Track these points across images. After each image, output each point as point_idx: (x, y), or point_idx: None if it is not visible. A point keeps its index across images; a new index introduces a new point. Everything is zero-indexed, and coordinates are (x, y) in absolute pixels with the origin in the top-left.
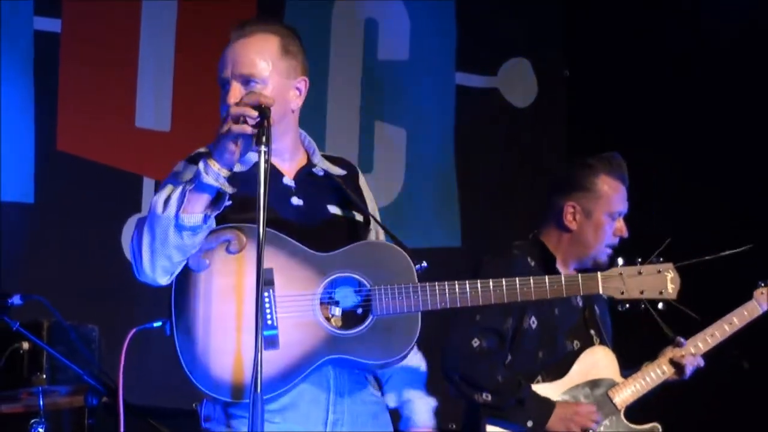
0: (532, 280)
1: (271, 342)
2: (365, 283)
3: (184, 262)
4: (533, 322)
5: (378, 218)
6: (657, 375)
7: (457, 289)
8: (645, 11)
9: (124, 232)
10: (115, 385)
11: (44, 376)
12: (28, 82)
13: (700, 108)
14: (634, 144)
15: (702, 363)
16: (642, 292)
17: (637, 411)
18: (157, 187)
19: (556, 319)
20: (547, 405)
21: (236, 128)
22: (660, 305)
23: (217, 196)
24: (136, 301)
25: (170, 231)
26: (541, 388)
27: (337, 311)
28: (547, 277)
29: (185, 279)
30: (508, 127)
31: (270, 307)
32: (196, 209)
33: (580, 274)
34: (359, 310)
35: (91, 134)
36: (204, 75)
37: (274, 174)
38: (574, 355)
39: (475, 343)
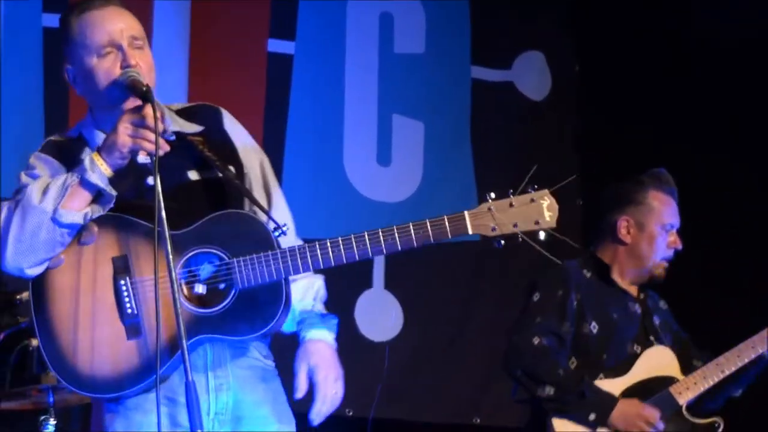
0: (396, 229)
1: (135, 330)
2: (224, 256)
3: (45, 263)
4: (594, 326)
5: (256, 154)
6: (719, 376)
7: (318, 250)
8: (658, 4)
9: None
10: None
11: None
12: (37, 80)
13: (714, 103)
14: (646, 139)
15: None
16: (515, 225)
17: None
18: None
19: (616, 324)
20: (610, 399)
21: (142, 144)
22: (541, 235)
23: (97, 195)
24: None
25: (44, 225)
26: (603, 384)
27: (200, 289)
28: (411, 223)
29: (41, 277)
30: (523, 119)
31: (128, 296)
32: (76, 206)
33: (446, 216)
34: (221, 285)
35: None
36: (218, 75)
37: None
38: (636, 357)
39: (536, 340)
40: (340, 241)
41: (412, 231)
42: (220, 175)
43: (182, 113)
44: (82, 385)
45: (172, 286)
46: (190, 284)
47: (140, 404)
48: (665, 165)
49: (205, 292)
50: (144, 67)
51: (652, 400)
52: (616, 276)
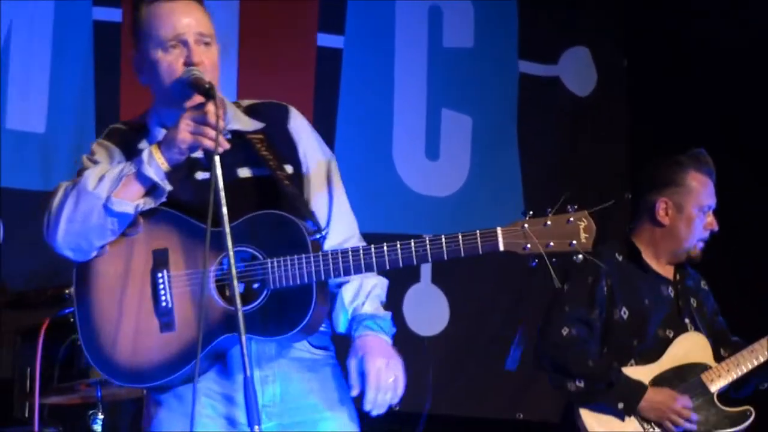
0: (428, 241)
1: (168, 324)
2: (259, 256)
3: (98, 249)
4: (624, 312)
5: (322, 156)
6: (752, 363)
7: (350, 257)
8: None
9: None
10: None
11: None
12: (88, 73)
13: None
14: (695, 135)
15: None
16: (549, 245)
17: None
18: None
19: (647, 309)
20: (639, 387)
21: (202, 141)
22: (579, 257)
23: (151, 188)
24: None
25: (96, 210)
26: (633, 371)
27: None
28: (443, 236)
29: (85, 266)
30: (569, 115)
31: (164, 289)
32: (129, 196)
33: (478, 231)
34: (255, 285)
35: None
36: (267, 71)
37: None
38: (668, 343)
39: (565, 331)
40: (373, 250)
41: (444, 243)
42: (277, 171)
43: (248, 110)
44: (115, 375)
45: (202, 283)
46: (223, 281)
47: (185, 397)
48: (716, 160)
49: (242, 291)
50: (208, 64)
51: (683, 387)
52: (649, 259)
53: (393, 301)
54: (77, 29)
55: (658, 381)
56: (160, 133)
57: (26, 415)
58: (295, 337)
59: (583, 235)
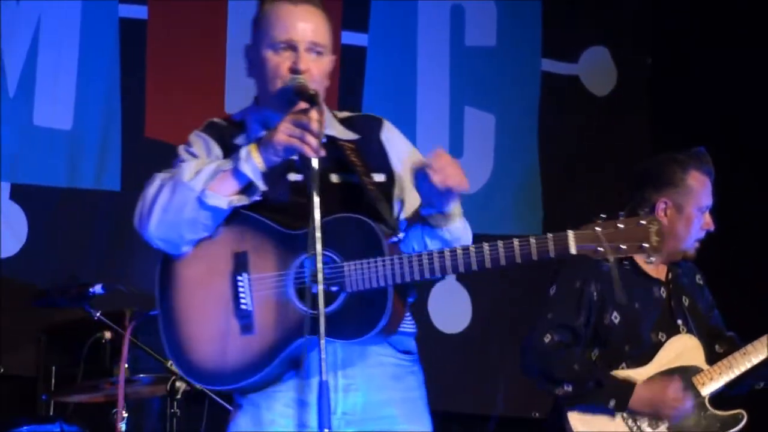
0: (500, 245)
1: (247, 327)
2: (336, 259)
3: (189, 243)
4: (615, 317)
5: (415, 156)
6: (745, 366)
7: (425, 259)
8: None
9: None
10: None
11: (126, 365)
12: (114, 70)
13: None
14: (718, 136)
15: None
16: (620, 247)
17: (722, 398)
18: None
19: (638, 313)
20: (628, 384)
21: (301, 146)
22: (651, 259)
23: (246, 186)
24: None
25: (190, 203)
26: (624, 374)
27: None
28: (515, 240)
29: (168, 263)
30: (588, 115)
31: (245, 292)
32: (222, 191)
33: (550, 235)
34: (333, 288)
35: (180, 120)
36: None
37: None
38: (660, 346)
39: (547, 338)
40: (446, 253)
41: (516, 248)
42: (360, 181)
43: (344, 121)
44: (195, 375)
45: (287, 284)
46: (300, 284)
47: (261, 405)
48: (737, 162)
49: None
50: (316, 73)
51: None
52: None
53: (419, 299)
54: (104, 27)
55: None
56: (259, 131)
57: (51, 413)
58: (374, 339)
59: (654, 238)
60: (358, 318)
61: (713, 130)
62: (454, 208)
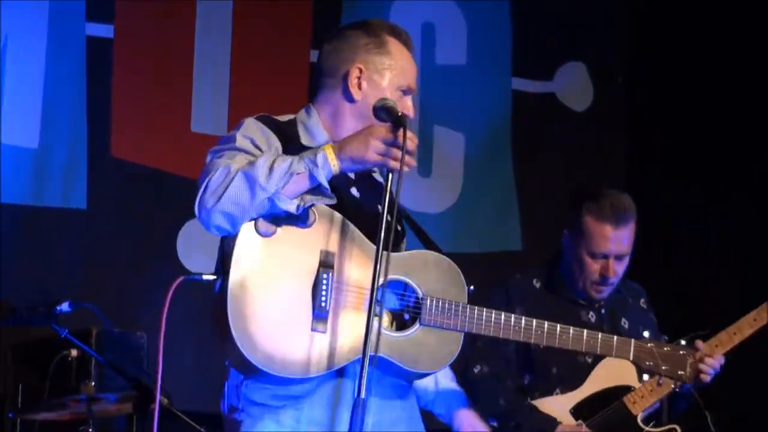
0: (571, 331)
1: (320, 324)
2: (417, 290)
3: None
4: None
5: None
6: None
7: (502, 320)
8: (706, 13)
9: (179, 238)
10: (166, 393)
11: (93, 383)
12: (81, 89)
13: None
14: (695, 148)
15: (720, 366)
16: (664, 367)
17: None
18: None
19: None
20: (550, 423)
21: (387, 162)
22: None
23: (316, 187)
24: (185, 308)
25: (261, 202)
26: (555, 400)
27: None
28: (585, 331)
29: (249, 240)
30: (565, 131)
31: (326, 290)
32: (295, 193)
33: (615, 337)
34: (406, 315)
35: (146, 140)
36: (261, 77)
37: None
38: (589, 368)
39: (476, 369)
40: (522, 321)
41: (584, 339)
42: (395, 223)
43: None
44: (251, 352)
45: (370, 304)
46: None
47: (284, 423)
48: (716, 174)
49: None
50: (411, 115)
51: (605, 412)
52: (570, 284)
53: None
54: (70, 45)
55: (581, 407)
56: (323, 136)
57: (17, 431)
58: (425, 376)
59: (688, 369)
60: (430, 352)
61: (689, 144)
62: None
